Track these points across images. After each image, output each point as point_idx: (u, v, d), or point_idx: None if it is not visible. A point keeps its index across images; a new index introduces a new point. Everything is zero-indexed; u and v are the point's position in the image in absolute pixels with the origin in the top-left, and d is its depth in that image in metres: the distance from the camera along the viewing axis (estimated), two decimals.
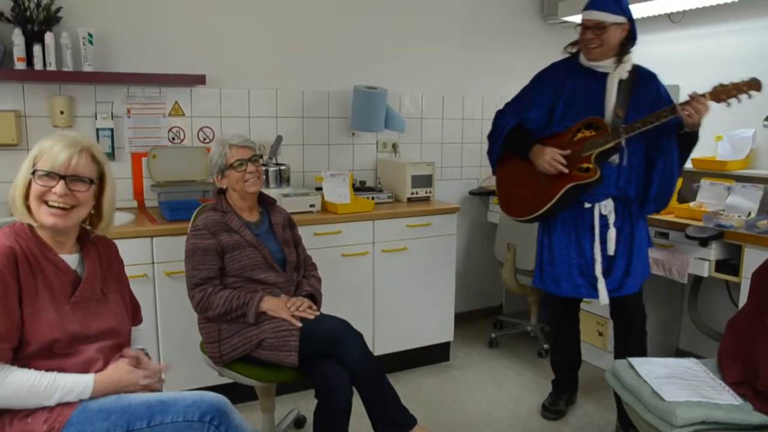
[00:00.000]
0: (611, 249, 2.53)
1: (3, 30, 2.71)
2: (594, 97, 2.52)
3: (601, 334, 3.33)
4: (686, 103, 2.29)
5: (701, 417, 1.83)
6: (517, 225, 3.31)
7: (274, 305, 2.23)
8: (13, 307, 1.50)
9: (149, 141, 3.10)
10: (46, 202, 1.57)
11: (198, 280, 2.25)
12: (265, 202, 2.51)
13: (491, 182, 2.84)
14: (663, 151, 2.44)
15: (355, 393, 2.16)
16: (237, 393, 2.53)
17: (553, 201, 2.52)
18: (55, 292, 1.58)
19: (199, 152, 3.17)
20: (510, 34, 4.04)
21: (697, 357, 2.29)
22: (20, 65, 2.69)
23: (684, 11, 3.43)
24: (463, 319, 4.00)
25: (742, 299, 2.53)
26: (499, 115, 2.73)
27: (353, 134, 3.63)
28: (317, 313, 2.26)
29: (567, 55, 2.65)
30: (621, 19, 2.43)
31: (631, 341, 2.66)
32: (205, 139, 3.22)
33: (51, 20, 2.74)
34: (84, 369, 1.57)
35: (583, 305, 3.19)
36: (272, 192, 2.91)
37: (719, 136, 3.23)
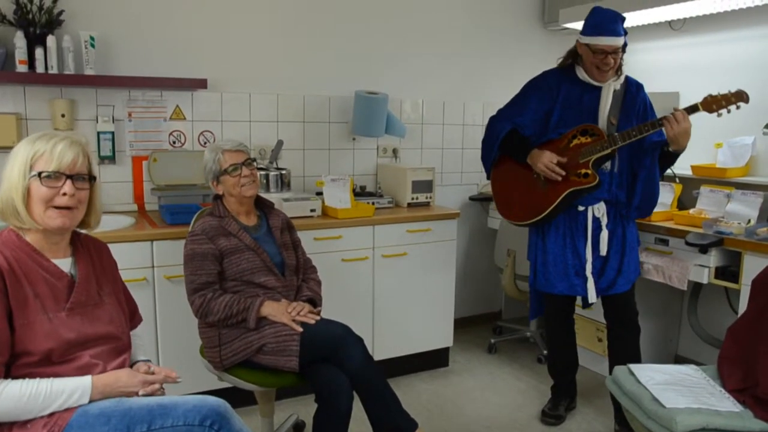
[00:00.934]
0: (603, 250, 2.63)
1: (5, 33, 2.72)
2: (588, 104, 2.59)
3: (600, 340, 3.33)
4: (669, 115, 2.42)
5: (701, 424, 1.83)
6: (517, 231, 3.31)
7: (274, 310, 2.22)
8: (1, 326, 1.45)
9: (150, 144, 3.11)
10: (52, 205, 1.54)
11: (197, 285, 2.25)
12: (262, 206, 2.50)
13: (491, 188, 2.86)
14: (644, 164, 2.54)
15: (355, 397, 2.15)
16: (236, 397, 2.50)
17: (554, 205, 2.59)
18: (47, 300, 1.54)
19: (199, 156, 3.13)
20: (511, 40, 4.06)
21: (697, 364, 2.29)
22: (22, 68, 2.69)
23: (685, 19, 3.44)
24: (462, 325, 4.00)
25: (742, 306, 2.54)
26: (493, 120, 2.78)
27: (354, 139, 3.63)
28: (318, 318, 2.26)
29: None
30: (626, 38, 2.51)
31: (624, 334, 2.72)
32: (205, 143, 3.22)
33: (53, 23, 2.75)
34: (83, 374, 1.55)
35: (583, 312, 3.19)
36: (273, 196, 2.91)
37: (719, 144, 3.24)
